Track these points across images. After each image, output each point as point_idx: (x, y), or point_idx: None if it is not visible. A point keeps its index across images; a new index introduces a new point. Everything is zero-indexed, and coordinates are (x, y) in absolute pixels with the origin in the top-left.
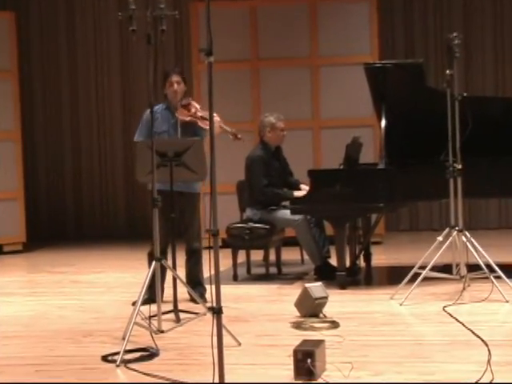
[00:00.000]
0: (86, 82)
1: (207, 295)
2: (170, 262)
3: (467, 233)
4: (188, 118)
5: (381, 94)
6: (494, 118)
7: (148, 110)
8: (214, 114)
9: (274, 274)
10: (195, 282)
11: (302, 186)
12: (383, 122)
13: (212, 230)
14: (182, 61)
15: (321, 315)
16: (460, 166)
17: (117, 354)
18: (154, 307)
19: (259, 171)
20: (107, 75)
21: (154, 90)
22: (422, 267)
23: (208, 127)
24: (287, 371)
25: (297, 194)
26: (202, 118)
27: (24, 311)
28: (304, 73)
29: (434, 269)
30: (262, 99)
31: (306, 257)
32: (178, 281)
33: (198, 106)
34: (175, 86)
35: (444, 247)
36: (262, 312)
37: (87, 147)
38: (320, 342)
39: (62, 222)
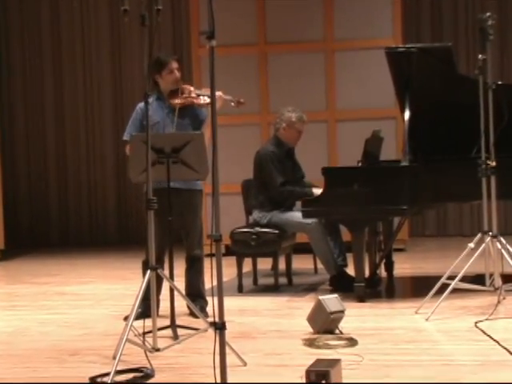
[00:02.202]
0: (72, 71)
1: (209, 309)
2: (166, 272)
3: (502, 239)
4: (182, 101)
5: (404, 82)
6: None
7: (139, 105)
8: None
9: (283, 285)
10: (195, 293)
11: (315, 191)
12: (407, 114)
13: (214, 235)
14: (180, 45)
15: (336, 331)
16: (494, 164)
17: (107, 375)
18: (148, 322)
19: (273, 168)
20: (96, 62)
21: (149, 77)
22: (451, 277)
23: (209, 101)
24: None
25: (316, 191)
26: (199, 96)
27: (2, 327)
28: (317, 58)
29: (464, 279)
30: (271, 88)
31: (319, 265)
32: (175, 292)
33: (191, 88)
34: (176, 72)
35: (476, 255)
36: (271, 328)
37: (73, 144)
38: (335, 362)
39: (45, 227)
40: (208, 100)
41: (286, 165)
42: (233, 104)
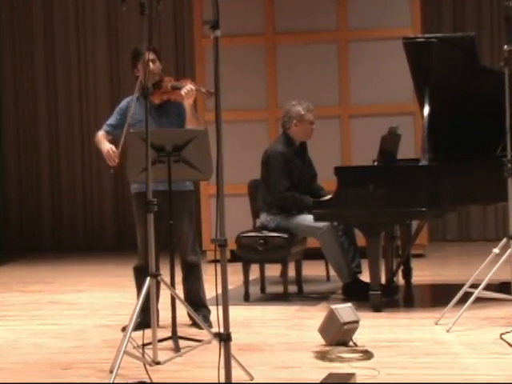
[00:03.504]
0: (66, 65)
1: (213, 319)
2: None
3: None
4: (159, 97)
5: (424, 74)
6: None
7: (127, 99)
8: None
9: (293, 294)
10: (196, 302)
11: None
12: (426, 109)
13: (219, 239)
14: (182, 35)
15: (350, 343)
16: None
17: None
18: (148, 333)
19: (279, 170)
20: (91, 54)
21: (148, 71)
22: (474, 286)
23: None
24: None
25: None
26: (173, 89)
27: None
28: (330, 49)
29: (488, 288)
30: (279, 82)
31: (332, 272)
32: (177, 301)
33: (169, 81)
34: (150, 64)
35: (501, 261)
36: (279, 339)
37: (67, 143)
38: (349, 376)
39: (37, 230)
40: (183, 93)
41: (296, 164)
42: (203, 91)
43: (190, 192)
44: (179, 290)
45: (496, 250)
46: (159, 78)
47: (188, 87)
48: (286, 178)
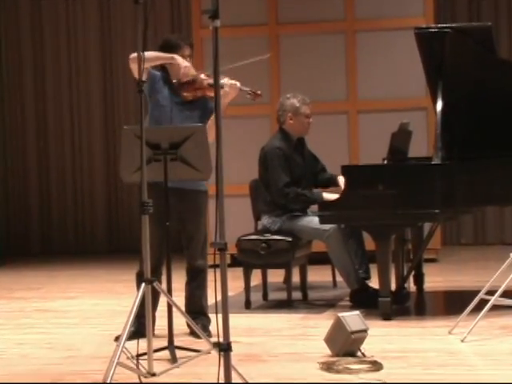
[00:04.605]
0: (55, 56)
1: (212, 327)
2: (163, 285)
3: None
4: (194, 93)
5: (437, 67)
6: None
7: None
8: (229, 80)
9: (297, 301)
10: (197, 310)
11: (340, 180)
12: (439, 104)
13: (218, 243)
14: (179, 25)
15: (358, 354)
16: None
17: None
18: (143, 343)
19: (279, 166)
20: (83, 46)
21: (143, 65)
22: (490, 292)
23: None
24: None
25: (327, 196)
26: (210, 86)
27: None
28: (336, 40)
29: (505, 294)
30: (282, 75)
31: (339, 278)
32: (174, 309)
33: (203, 77)
34: (187, 63)
35: None
36: (283, 349)
37: (56, 138)
38: None
39: (24, 233)
40: (222, 90)
41: (296, 160)
42: (249, 96)
43: (204, 192)
44: (178, 297)
45: None
46: (192, 77)
47: (229, 83)
48: (285, 174)
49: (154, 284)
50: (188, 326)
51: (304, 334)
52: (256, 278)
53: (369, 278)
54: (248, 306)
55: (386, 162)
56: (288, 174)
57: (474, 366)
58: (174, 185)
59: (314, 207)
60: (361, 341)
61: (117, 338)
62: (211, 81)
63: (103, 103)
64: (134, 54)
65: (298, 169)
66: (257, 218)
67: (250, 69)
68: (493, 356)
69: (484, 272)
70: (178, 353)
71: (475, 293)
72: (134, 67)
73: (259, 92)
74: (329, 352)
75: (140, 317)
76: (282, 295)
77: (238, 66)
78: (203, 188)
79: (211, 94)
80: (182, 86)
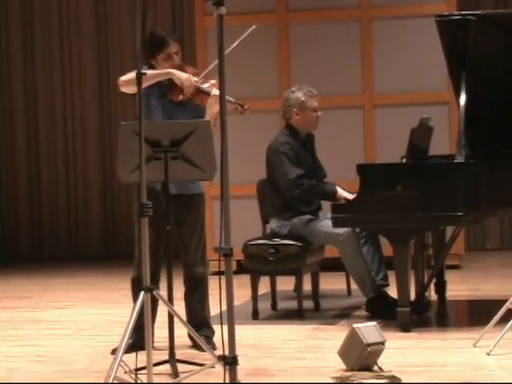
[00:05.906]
0: (47, 49)
1: (216, 339)
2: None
3: None
4: (183, 97)
5: (460, 57)
6: None
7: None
8: (216, 91)
9: (309, 310)
10: (200, 322)
11: (340, 191)
12: (463, 97)
13: (223, 248)
14: (181, 13)
15: (375, 368)
16: None
17: None
18: (142, 356)
19: (288, 159)
20: (76, 37)
21: (142, 58)
22: None
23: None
24: None
25: (343, 192)
26: (202, 93)
27: None
28: (351, 29)
29: None
30: (293, 66)
31: (354, 286)
32: (175, 319)
33: (193, 79)
34: (175, 58)
35: None
36: (293, 363)
37: (48, 137)
38: None
39: (14, 238)
40: (210, 99)
41: (305, 157)
42: (239, 108)
43: (201, 195)
44: (179, 307)
45: None
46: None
47: (216, 94)
48: (297, 167)
49: (154, 292)
50: (190, 338)
51: (316, 347)
52: (264, 285)
53: (386, 285)
54: (255, 316)
55: (404, 160)
56: (300, 167)
57: (501, 381)
58: (174, 191)
59: (326, 209)
60: (377, 354)
61: (113, 351)
62: (201, 85)
63: (98, 98)
64: (124, 78)
65: (309, 165)
66: (265, 221)
67: (257, 59)
68: None
69: (511, 279)
70: (180, 367)
71: (501, 302)
72: (126, 90)
73: (246, 107)
74: (343, 366)
75: (138, 328)
76: (292, 304)
77: (231, 49)
78: (200, 191)
79: (201, 102)
80: (171, 87)
